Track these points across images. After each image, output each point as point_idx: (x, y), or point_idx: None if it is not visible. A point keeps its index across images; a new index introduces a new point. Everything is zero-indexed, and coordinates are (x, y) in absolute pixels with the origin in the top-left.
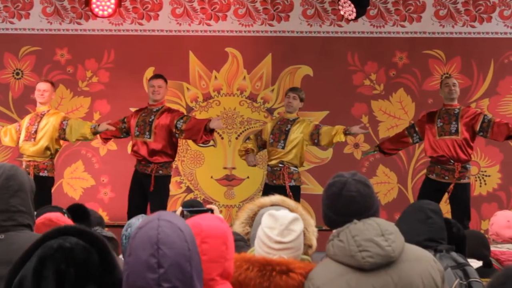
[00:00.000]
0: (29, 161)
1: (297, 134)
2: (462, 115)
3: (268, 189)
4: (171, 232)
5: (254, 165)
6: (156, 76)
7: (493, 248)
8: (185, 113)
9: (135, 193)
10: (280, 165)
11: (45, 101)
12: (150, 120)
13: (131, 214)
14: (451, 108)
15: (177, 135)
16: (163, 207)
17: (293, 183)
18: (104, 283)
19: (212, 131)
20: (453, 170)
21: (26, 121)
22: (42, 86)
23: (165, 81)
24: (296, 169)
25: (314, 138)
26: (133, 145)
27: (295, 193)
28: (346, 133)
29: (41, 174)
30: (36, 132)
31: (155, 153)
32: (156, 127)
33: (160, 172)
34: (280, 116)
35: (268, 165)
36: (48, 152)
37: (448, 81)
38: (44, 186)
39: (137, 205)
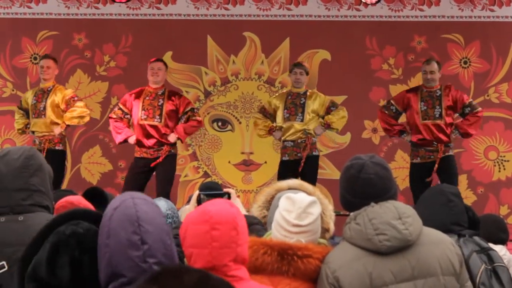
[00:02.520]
0: (43, 136)
1: (314, 106)
2: (445, 96)
3: (287, 165)
4: (148, 208)
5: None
6: (156, 60)
7: None
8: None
9: (136, 179)
10: (304, 136)
11: (49, 77)
12: (159, 104)
13: None
14: (432, 90)
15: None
16: (171, 183)
17: (316, 152)
18: None
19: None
20: (437, 150)
21: (30, 98)
22: (45, 62)
23: (165, 64)
24: (315, 139)
25: (328, 120)
26: (138, 126)
27: (316, 163)
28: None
29: (56, 147)
30: (45, 108)
31: (165, 136)
32: (167, 111)
33: (172, 151)
34: (288, 91)
35: (287, 141)
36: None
37: (426, 69)
38: (60, 159)
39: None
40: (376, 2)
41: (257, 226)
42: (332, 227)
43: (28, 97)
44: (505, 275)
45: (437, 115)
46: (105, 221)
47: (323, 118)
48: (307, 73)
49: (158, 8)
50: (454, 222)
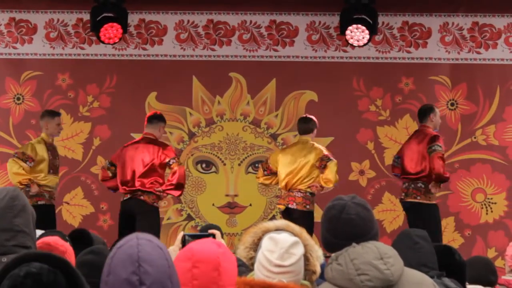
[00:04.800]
0: (52, 191)
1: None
2: None
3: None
4: (151, 250)
5: None
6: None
7: (508, 277)
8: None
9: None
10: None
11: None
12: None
13: None
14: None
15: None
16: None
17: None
18: None
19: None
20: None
21: (45, 153)
22: (62, 120)
23: None
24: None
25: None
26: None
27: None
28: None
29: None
30: (58, 165)
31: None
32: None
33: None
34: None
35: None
36: None
37: None
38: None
39: None
40: (364, 45)
41: (242, 268)
42: (318, 269)
43: (42, 150)
44: None
45: None
46: (108, 259)
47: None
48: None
49: (144, 49)
50: (421, 264)
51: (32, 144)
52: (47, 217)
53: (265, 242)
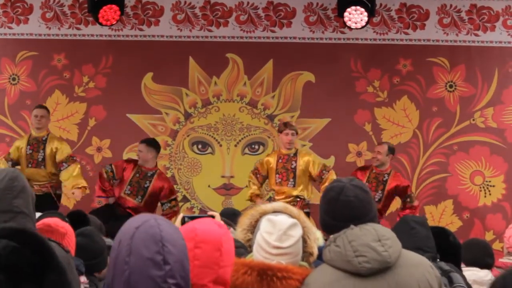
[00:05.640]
0: (44, 184)
1: (302, 166)
2: (390, 183)
3: None
4: (171, 230)
5: None
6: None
7: (506, 259)
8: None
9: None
10: (297, 199)
11: (42, 127)
12: (145, 185)
13: None
14: (381, 173)
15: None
16: None
17: (307, 209)
18: (46, 281)
19: None
20: None
21: (24, 147)
22: (39, 112)
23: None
24: (308, 199)
25: (322, 175)
26: (119, 197)
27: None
28: None
29: (57, 192)
30: (44, 159)
31: (140, 213)
32: (150, 194)
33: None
34: (278, 152)
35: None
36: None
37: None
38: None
39: None
40: (362, 27)
41: (240, 249)
42: (316, 251)
43: (21, 146)
44: None
45: (377, 199)
46: (126, 239)
47: (314, 180)
48: (297, 133)
49: (141, 30)
50: (416, 247)
51: (16, 142)
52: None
53: (264, 224)
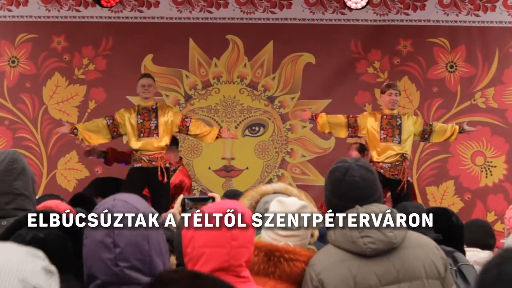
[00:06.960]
0: (153, 154)
1: (409, 127)
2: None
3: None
4: (125, 211)
5: None
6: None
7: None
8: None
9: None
10: (402, 158)
11: (150, 96)
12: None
13: None
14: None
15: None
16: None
17: (409, 177)
18: (81, 270)
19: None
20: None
21: (133, 117)
22: (147, 81)
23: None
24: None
25: (426, 134)
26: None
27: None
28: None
29: (166, 165)
30: (157, 127)
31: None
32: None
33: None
34: (381, 112)
35: (384, 163)
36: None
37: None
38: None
39: None
40: (363, 7)
41: None
42: (316, 232)
43: (130, 116)
44: (470, 273)
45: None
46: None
47: (421, 135)
48: (400, 93)
49: (141, 11)
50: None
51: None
52: None
53: (273, 205)
